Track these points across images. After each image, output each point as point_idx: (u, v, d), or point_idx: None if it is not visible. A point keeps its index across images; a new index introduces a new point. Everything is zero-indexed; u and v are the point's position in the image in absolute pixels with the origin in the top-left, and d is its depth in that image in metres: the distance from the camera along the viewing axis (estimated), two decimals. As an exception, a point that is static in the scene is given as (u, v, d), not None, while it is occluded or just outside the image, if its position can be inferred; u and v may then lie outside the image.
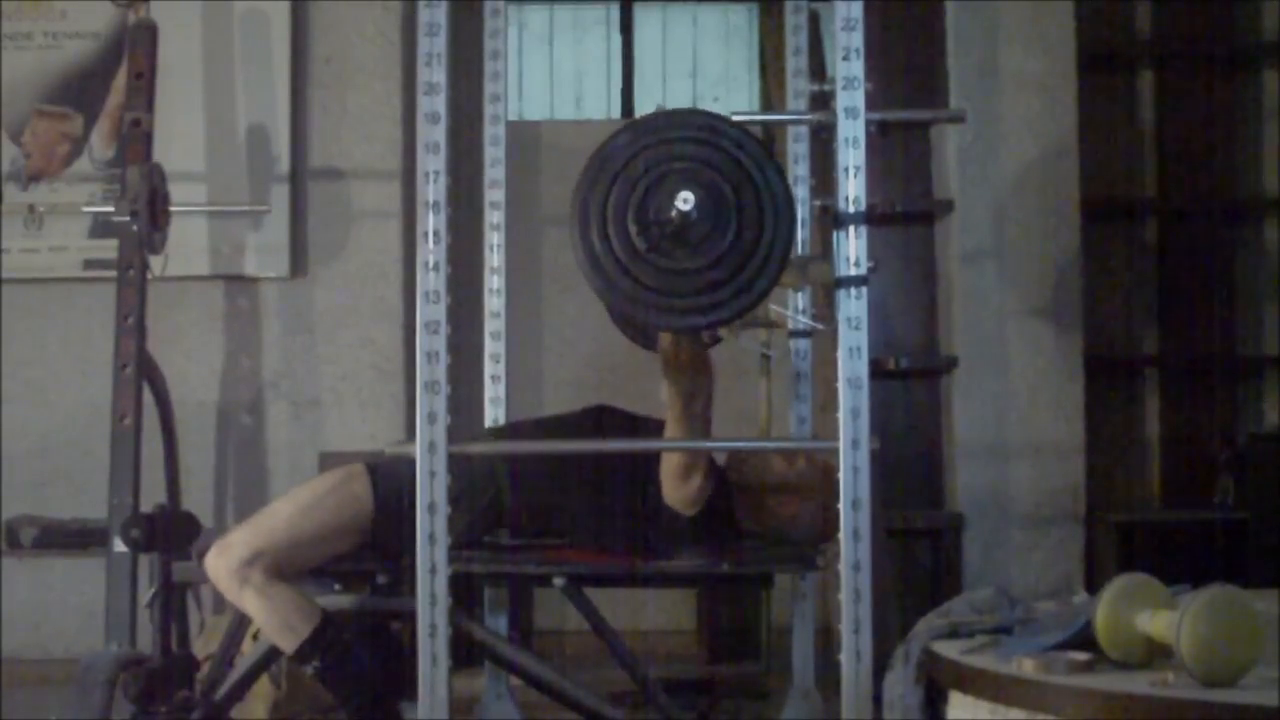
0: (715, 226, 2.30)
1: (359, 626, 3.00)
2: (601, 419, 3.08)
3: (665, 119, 2.39)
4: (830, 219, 2.43)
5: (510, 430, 3.39)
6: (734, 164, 2.33)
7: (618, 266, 2.32)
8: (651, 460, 2.90)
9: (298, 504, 2.97)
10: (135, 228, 3.79)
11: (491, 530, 3.07)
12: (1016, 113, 4.48)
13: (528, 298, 5.10)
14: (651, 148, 2.34)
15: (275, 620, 2.89)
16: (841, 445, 2.35)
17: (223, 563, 2.91)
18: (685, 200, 2.28)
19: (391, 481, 2.90)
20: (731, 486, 3.06)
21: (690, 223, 2.28)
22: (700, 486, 2.86)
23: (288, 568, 2.92)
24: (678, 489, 2.86)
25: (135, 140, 3.95)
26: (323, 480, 3.05)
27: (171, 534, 3.20)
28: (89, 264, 4.63)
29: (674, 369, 2.70)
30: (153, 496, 3.67)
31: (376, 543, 2.95)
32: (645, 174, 2.32)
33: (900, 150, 4.64)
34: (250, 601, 2.90)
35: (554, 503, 3.03)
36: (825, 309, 3.45)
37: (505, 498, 3.01)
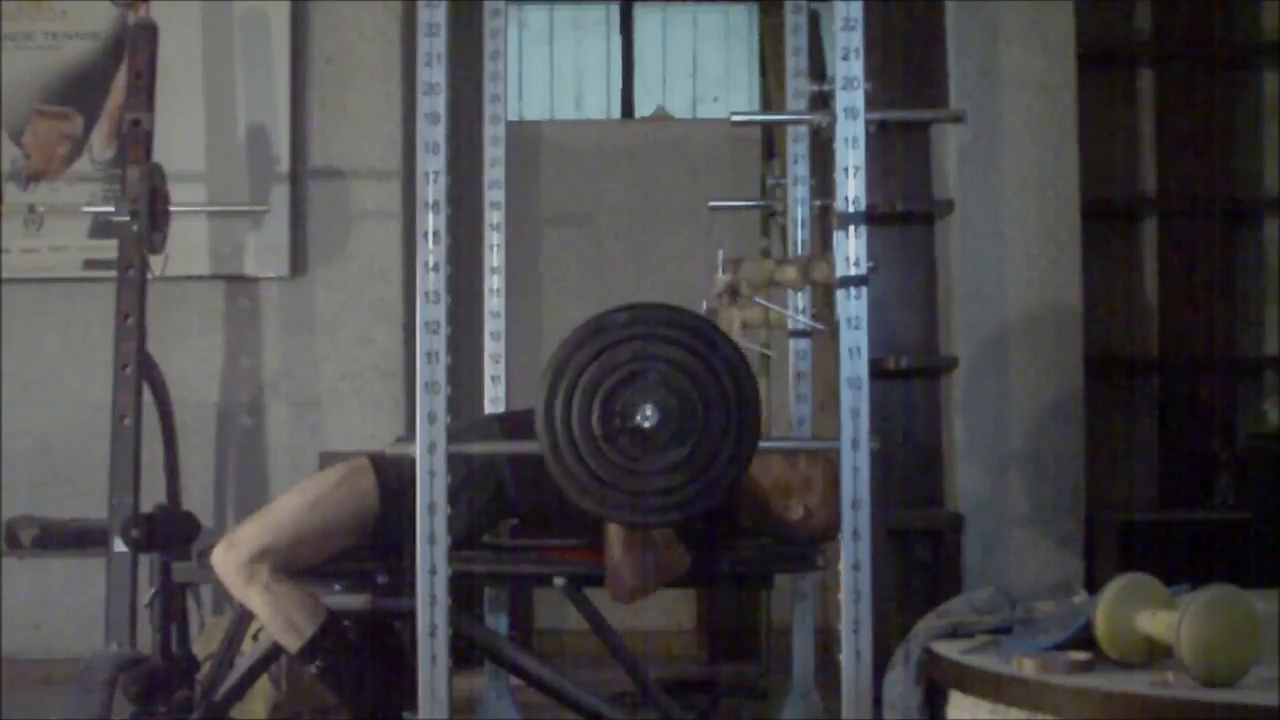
0: (678, 433, 2.35)
1: (362, 627, 3.00)
2: None
3: (663, 313, 2.42)
4: (830, 219, 2.43)
5: (510, 421, 3.37)
6: (713, 378, 2.37)
7: (570, 442, 2.37)
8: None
9: (304, 499, 2.97)
10: (135, 228, 3.79)
11: (498, 521, 3.07)
12: (1016, 113, 4.48)
13: (528, 298, 5.10)
14: (639, 340, 2.38)
15: (280, 619, 2.89)
16: (841, 445, 2.35)
17: (230, 558, 2.90)
18: (647, 417, 2.34)
19: (397, 475, 2.89)
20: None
21: (650, 428, 2.33)
22: (631, 585, 2.87)
23: (294, 564, 2.92)
24: (610, 572, 2.87)
25: (135, 140, 3.95)
26: (328, 475, 3.03)
27: (171, 534, 3.20)
28: (89, 264, 4.63)
29: (615, 547, 2.80)
30: (153, 496, 3.68)
31: (381, 537, 2.95)
32: (629, 363, 2.37)
33: (900, 150, 4.64)
34: (255, 599, 2.89)
35: (556, 497, 3.02)
36: (825, 309, 3.45)
37: (508, 488, 3.00)
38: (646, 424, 2.34)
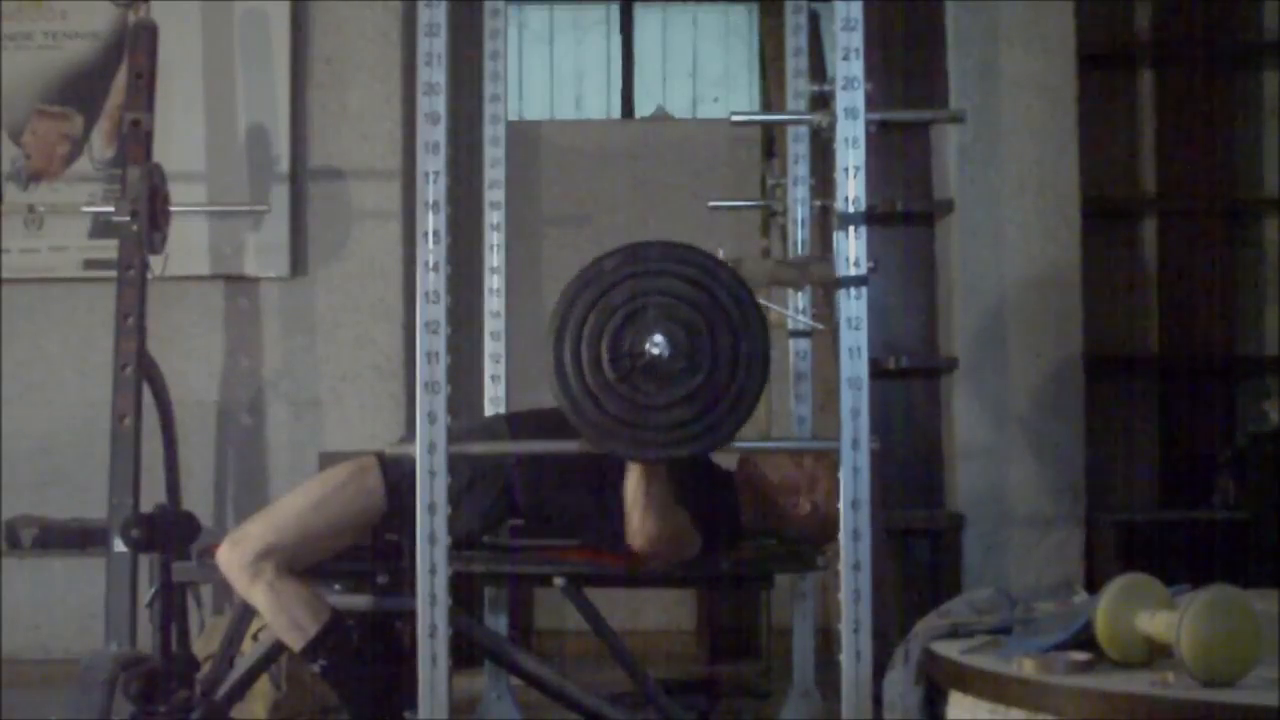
0: (688, 365, 2.36)
1: (364, 627, 3.00)
2: None
3: (658, 250, 2.42)
4: (830, 219, 2.43)
5: (516, 421, 3.38)
6: (718, 307, 2.37)
7: (584, 388, 2.38)
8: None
9: (311, 497, 2.97)
10: (135, 228, 3.79)
11: (505, 518, 3.07)
12: (1016, 113, 4.48)
13: (528, 298, 5.10)
14: (638, 277, 2.37)
15: (284, 617, 2.89)
16: (841, 445, 2.35)
17: (236, 556, 2.90)
18: (656, 344, 2.34)
19: (403, 472, 2.89)
20: (733, 485, 3.06)
21: (661, 360, 2.33)
22: (672, 555, 2.88)
23: (300, 561, 2.92)
24: (632, 523, 2.86)
25: (135, 140, 3.95)
26: (335, 473, 3.03)
27: (171, 534, 3.20)
28: (89, 264, 4.63)
29: (633, 487, 2.78)
30: (153, 496, 3.67)
31: (388, 535, 2.95)
32: (627, 303, 2.36)
33: (900, 150, 4.64)
34: (260, 596, 2.89)
35: (559, 494, 3.02)
36: (825, 309, 3.45)
37: (515, 489, 3.00)
38: (656, 350, 2.33)
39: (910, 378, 4.61)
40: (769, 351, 2.41)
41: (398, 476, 2.92)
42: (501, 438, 3.05)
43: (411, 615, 2.40)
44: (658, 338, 2.35)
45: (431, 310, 2.37)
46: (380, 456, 2.98)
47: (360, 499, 2.95)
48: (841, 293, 2.37)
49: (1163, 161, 4.93)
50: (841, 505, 2.36)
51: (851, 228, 2.37)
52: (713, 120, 5.78)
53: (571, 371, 2.38)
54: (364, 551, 2.98)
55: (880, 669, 2.44)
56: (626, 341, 2.36)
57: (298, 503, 2.97)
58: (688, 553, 2.92)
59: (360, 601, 2.99)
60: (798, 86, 3.54)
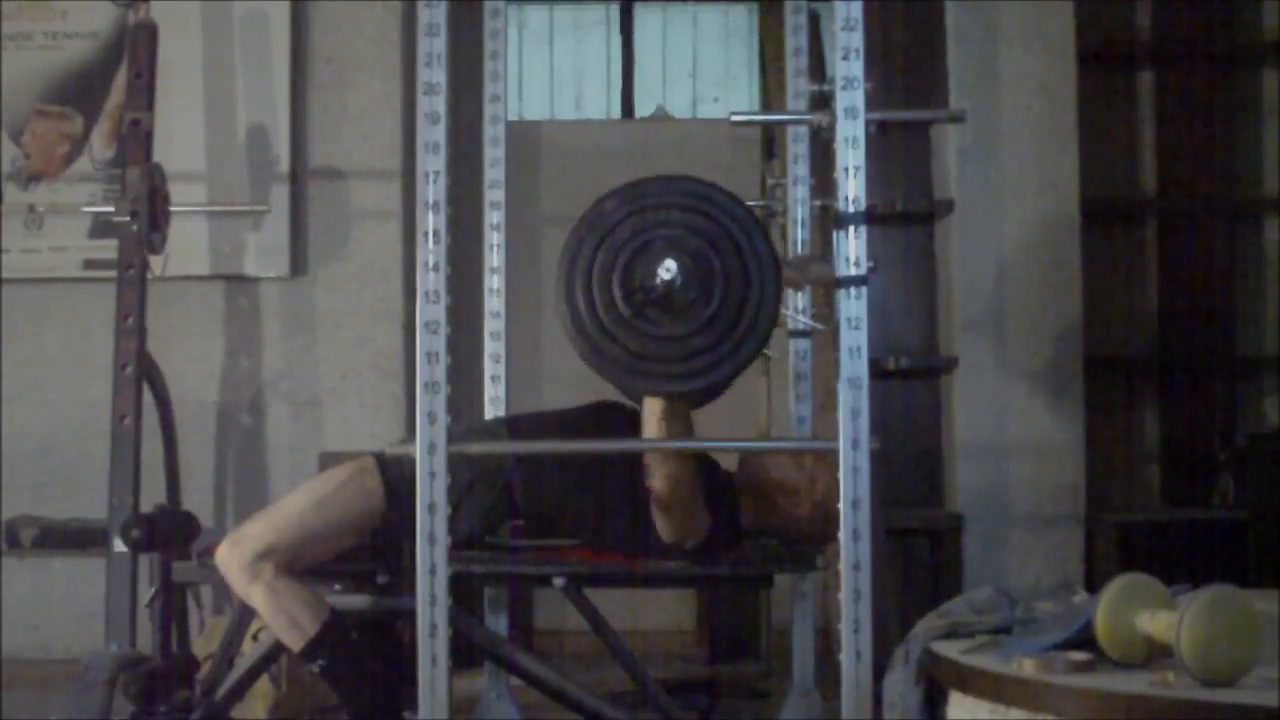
0: (700, 293, 2.35)
1: (363, 627, 3.00)
2: (607, 415, 3.08)
3: (656, 185, 2.41)
4: (830, 219, 2.43)
5: (516, 424, 3.38)
6: (722, 231, 2.37)
7: (600, 330, 2.37)
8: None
9: (310, 498, 2.97)
10: (135, 228, 3.79)
11: (506, 521, 3.07)
12: (1016, 113, 4.48)
13: (528, 298, 5.10)
14: (640, 213, 2.36)
15: (283, 618, 2.89)
16: (841, 445, 2.35)
17: (235, 556, 2.90)
18: (668, 269, 2.33)
19: (402, 474, 2.89)
20: (734, 486, 3.06)
21: (674, 290, 2.32)
22: (684, 518, 2.86)
23: (299, 562, 2.92)
24: (662, 521, 2.86)
25: (135, 140, 3.94)
26: (334, 474, 3.03)
27: (171, 534, 3.20)
28: (89, 264, 4.63)
29: (654, 427, 2.72)
30: (153, 496, 3.67)
31: (387, 536, 2.95)
32: (632, 239, 2.35)
33: (900, 150, 4.64)
34: (259, 597, 2.89)
35: (559, 497, 3.03)
36: (825, 309, 3.45)
37: (514, 491, 3.00)
38: (668, 276, 2.32)
39: (910, 378, 4.61)
40: (779, 268, 2.39)
41: (396, 478, 2.92)
42: (501, 440, 3.05)
43: (411, 615, 2.40)
44: (668, 263, 2.32)
45: (431, 310, 2.37)
46: (379, 458, 2.98)
47: (359, 500, 2.96)
48: (841, 293, 2.37)
49: (1163, 161, 4.93)
50: (841, 505, 2.36)
51: (851, 228, 2.37)
52: (713, 120, 5.78)
53: (586, 314, 2.37)
54: (364, 551, 2.98)
55: (880, 669, 2.44)
56: (637, 276, 2.34)
57: (297, 504, 2.97)
58: (697, 525, 2.89)
59: (360, 601, 2.99)
60: (798, 86, 3.54)
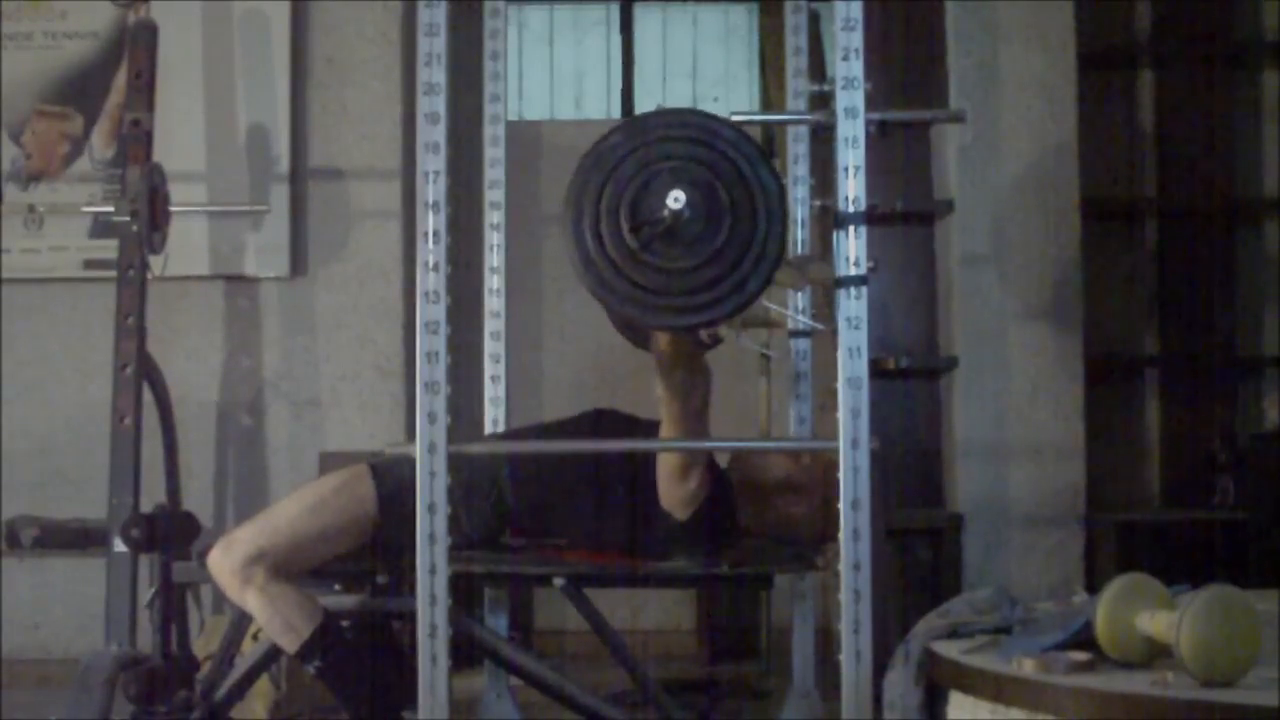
0: (708, 225, 2.31)
1: (360, 627, 3.00)
2: (601, 422, 3.08)
3: (658, 118, 2.40)
4: (830, 219, 2.43)
5: (511, 436, 3.40)
6: (727, 162, 2.34)
7: (610, 266, 2.33)
8: (651, 461, 2.90)
9: (302, 504, 2.97)
10: (135, 228, 3.79)
11: (503, 529, 3.07)
12: (1016, 113, 4.48)
13: (528, 298, 5.10)
14: (644, 147, 2.34)
15: (277, 620, 2.89)
16: (841, 445, 2.35)
17: (226, 561, 2.90)
18: (676, 199, 2.29)
19: (395, 482, 2.90)
20: (732, 486, 3.06)
21: (682, 221, 2.29)
22: (696, 488, 2.86)
23: (291, 567, 2.92)
24: (673, 490, 2.86)
25: (135, 140, 3.94)
26: (327, 480, 3.04)
27: (171, 534, 3.20)
28: (89, 264, 4.63)
29: (669, 369, 2.69)
30: (153, 496, 3.67)
31: (380, 543, 2.95)
32: (638, 173, 2.32)
33: (900, 150, 4.64)
34: (252, 600, 2.90)
35: (555, 505, 3.03)
36: (825, 309, 3.45)
37: (507, 501, 3.01)
38: (677, 205, 2.28)
39: (910, 378, 4.61)
40: (785, 197, 2.36)
41: (389, 485, 2.93)
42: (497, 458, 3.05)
43: (411, 615, 2.40)
44: (677, 193, 2.29)
45: (431, 310, 2.37)
46: (372, 465, 2.99)
47: (352, 507, 2.96)
48: (841, 293, 2.37)
49: (1163, 161, 4.93)
50: (841, 505, 2.36)
51: (851, 228, 2.37)
52: (713, 120, 5.77)
53: (595, 252, 2.32)
54: (362, 553, 2.98)
55: (880, 669, 2.44)
56: (644, 209, 2.31)
57: (289, 510, 2.98)
58: (696, 486, 2.87)
59: (356, 602, 2.99)
60: (798, 86, 3.54)
